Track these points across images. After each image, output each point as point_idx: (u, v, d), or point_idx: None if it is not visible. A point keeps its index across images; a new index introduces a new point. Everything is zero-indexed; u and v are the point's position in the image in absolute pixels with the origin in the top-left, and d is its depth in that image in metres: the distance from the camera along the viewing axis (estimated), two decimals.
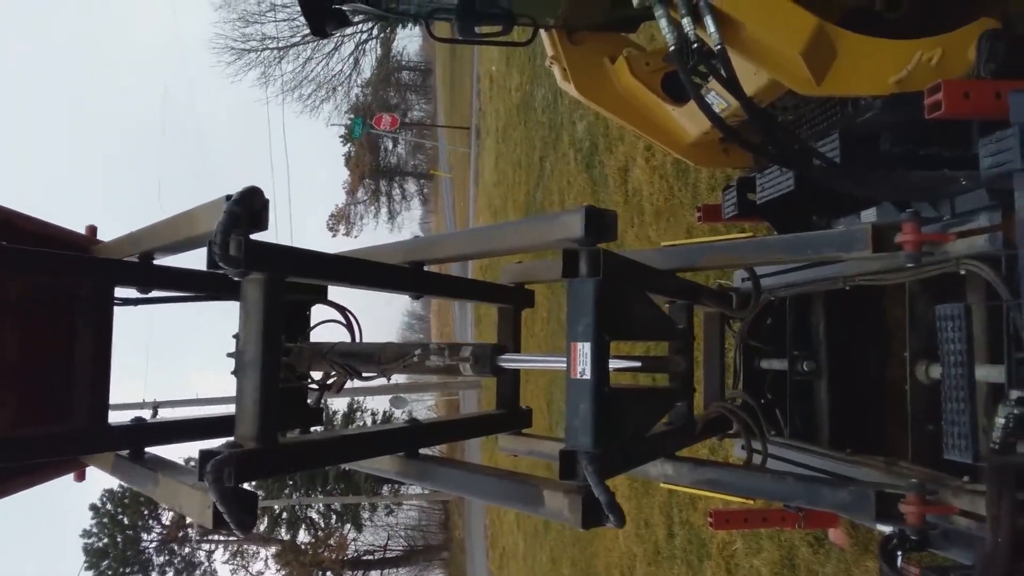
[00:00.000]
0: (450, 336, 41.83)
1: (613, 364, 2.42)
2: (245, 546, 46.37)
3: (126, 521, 43.10)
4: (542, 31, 4.25)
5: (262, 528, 45.47)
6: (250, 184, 2.29)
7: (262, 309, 2.34)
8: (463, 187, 34.13)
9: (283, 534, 45.41)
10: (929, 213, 3.15)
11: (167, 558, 44.43)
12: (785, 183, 3.51)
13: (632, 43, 4.48)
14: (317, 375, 3.12)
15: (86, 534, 42.79)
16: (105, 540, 42.82)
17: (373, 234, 62.38)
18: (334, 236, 58.56)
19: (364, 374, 3.05)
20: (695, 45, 3.02)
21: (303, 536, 45.59)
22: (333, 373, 3.06)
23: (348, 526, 46.44)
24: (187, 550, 44.88)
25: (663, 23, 2.97)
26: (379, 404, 41.48)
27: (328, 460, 2.86)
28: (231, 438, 2.31)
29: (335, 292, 3.28)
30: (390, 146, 60.57)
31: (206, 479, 2.08)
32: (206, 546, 45.68)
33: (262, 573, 46.76)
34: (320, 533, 45.75)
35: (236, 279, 2.34)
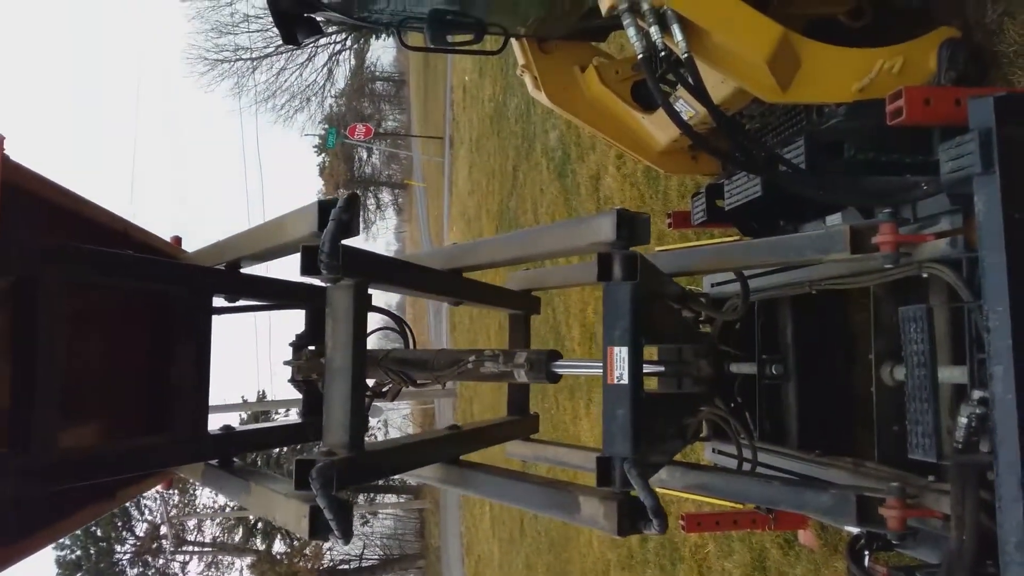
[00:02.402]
0: (426, 344, 41.75)
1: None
2: (220, 557, 45.89)
3: (99, 533, 42.51)
4: (513, 40, 4.28)
5: (236, 539, 45.06)
6: (351, 191, 2.32)
7: (352, 316, 2.35)
8: (437, 197, 34.09)
9: (258, 544, 45.00)
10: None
11: (141, 569, 43.84)
12: (752, 189, 3.55)
13: (602, 52, 4.53)
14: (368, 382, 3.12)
15: (59, 546, 42.18)
16: (78, 552, 42.21)
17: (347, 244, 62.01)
18: None
19: (419, 381, 3.05)
20: (663, 53, 3.06)
21: (279, 546, 45.18)
22: (388, 380, 3.06)
23: None
24: (161, 561, 44.30)
25: (631, 32, 3.01)
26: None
27: (403, 467, 2.87)
28: (320, 446, 2.30)
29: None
30: (364, 156, 60.43)
31: (313, 487, 2.08)
32: (180, 557, 45.16)
33: None
34: (295, 543, 45.35)
35: (327, 284, 2.34)
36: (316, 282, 2.48)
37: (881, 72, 3.06)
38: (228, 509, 41.99)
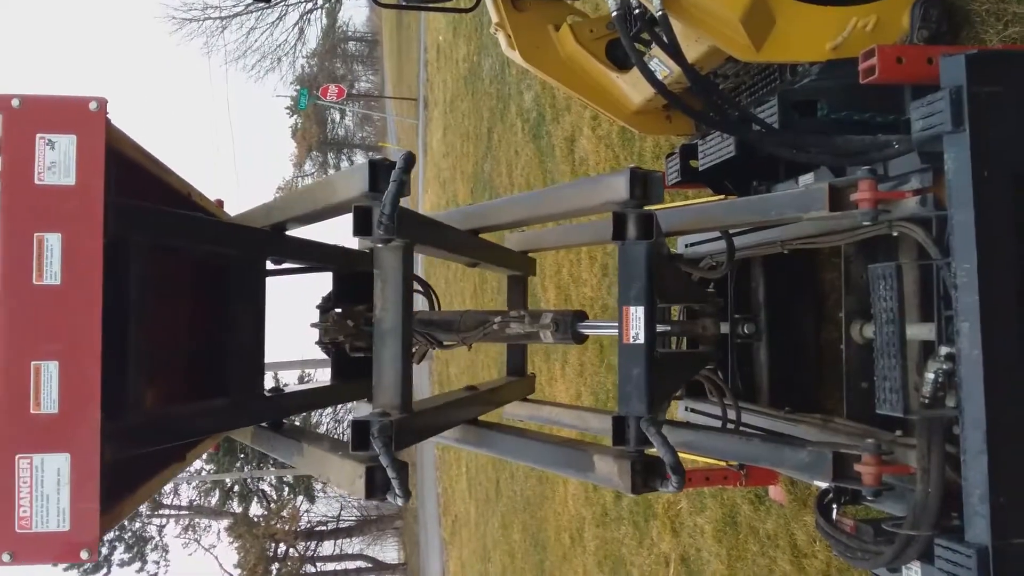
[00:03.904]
0: None
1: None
2: (197, 520, 45.97)
3: None
4: None
5: (213, 502, 45.12)
6: (406, 150, 2.32)
7: (401, 277, 2.36)
8: None
9: (235, 507, 45.12)
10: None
11: (117, 533, 43.79)
12: (726, 149, 3.56)
13: (576, 10, 4.49)
14: None
15: None
16: None
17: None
18: None
19: (445, 343, 3.05)
20: (637, 11, 3.04)
21: (255, 509, 45.36)
22: (415, 342, 3.06)
23: (301, 498, 46.29)
24: (137, 525, 44.29)
25: None
26: (323, 375, 41.16)
27: (443, 426, 2.92)
28: (372, 407, 2.33)
29: None
30: (337, 118, 59.84)
31: (375, 446, 2.11)
32: (157, 520, 45.16)
33: (214, 546, 46.47)
34: (273, 505, 45.55)
35: (377, 245, 2.35)
36: (344, 243, 2.44)
37: (855, 31, 3.07)
38: (204, 472, 42.01)
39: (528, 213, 3.20)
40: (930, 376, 2.50)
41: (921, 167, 2.66)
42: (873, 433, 2.86)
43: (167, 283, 2.80)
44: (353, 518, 50.88)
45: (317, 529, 49.13)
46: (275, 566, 46.17)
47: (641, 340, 2.39)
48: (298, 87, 46.18)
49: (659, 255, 2.54)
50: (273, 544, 45.30)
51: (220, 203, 3.23)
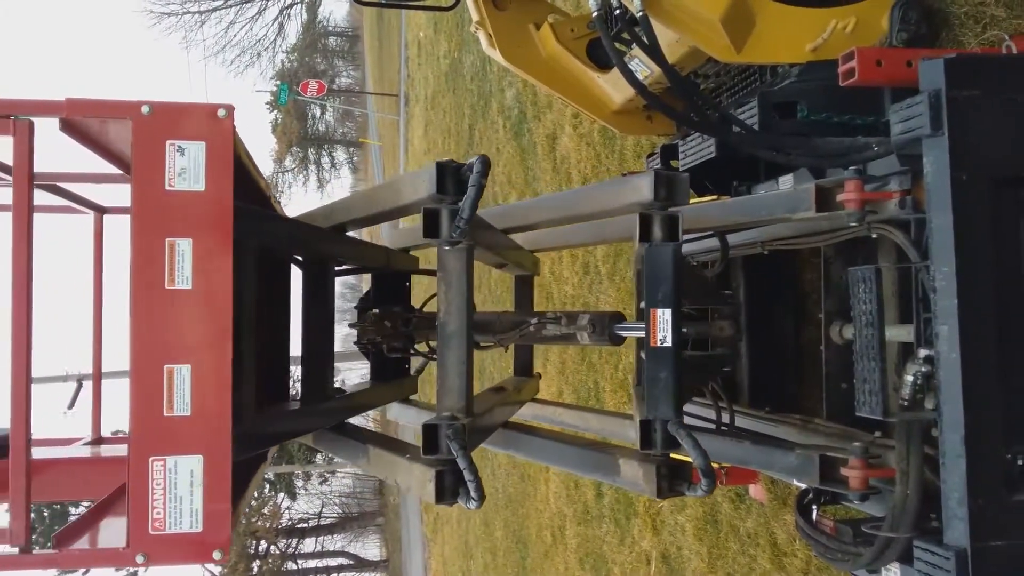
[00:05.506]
0: None
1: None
2: None
3: None
4: None
5: None
6: (482, 153, 2.31)
7: (465, 279, 2.35)
8: (393, 155, 33.73)
9: None
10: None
11: None
12: (706, 150, 3.56)
13: (557, 9, 4.49)
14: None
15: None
16: (32, 514, 41.63)
17: (302, 202, 61.54)
18: None
19: (482, 344, 3.04)
20: (618, 11, 3.04)
21: None
22: None
23: (282, 495, 46.05)
24: None
25: None
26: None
27: (495, 427, 2.94)
28: (439, 411, 2.33)
29: None
30: (318, 113, 59.50)
31: (452, 449, 2.12)
32: None
33: None
34: (253, 502, 45.29)
35: (445, 247, 2.35)
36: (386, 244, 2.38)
37: (834, 32, 3.07)
38: None
39: (553, 214, 3.21)
40: (909, 378, 2.50)
41: (900, 170, 2.67)
42: (853, 434, 2.87)
43: (260, 285, 2.83)
44: (334, 515, 50.72)
45: (299, 526, 48.92)
46: (256, 563, 45.97)
47: (669, 343, 2.38)
48: (278, 82, 45.86)
49: (682, 257, 2.53)
50: (254, 541, 45.06)
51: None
